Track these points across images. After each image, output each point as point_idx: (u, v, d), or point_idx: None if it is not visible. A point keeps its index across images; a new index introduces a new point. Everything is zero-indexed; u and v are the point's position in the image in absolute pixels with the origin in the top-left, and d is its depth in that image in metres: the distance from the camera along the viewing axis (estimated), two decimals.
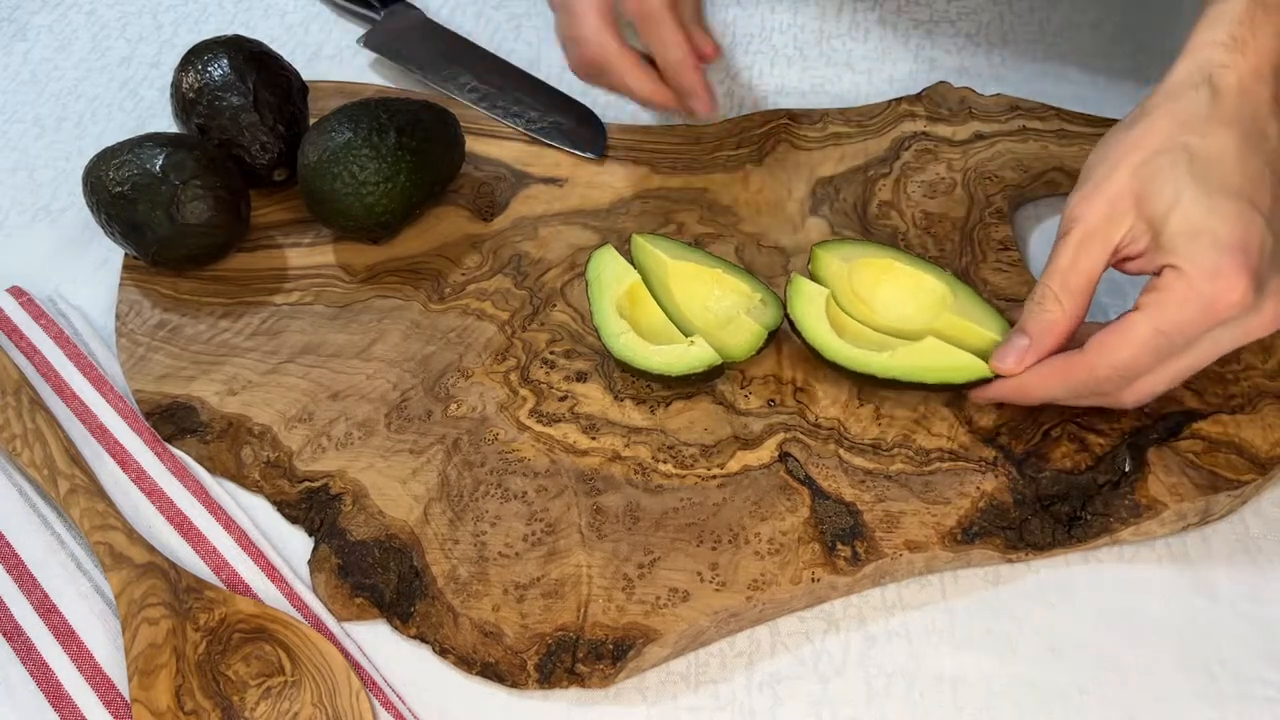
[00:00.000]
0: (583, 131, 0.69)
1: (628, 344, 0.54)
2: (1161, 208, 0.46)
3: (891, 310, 0.56)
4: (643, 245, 0.57)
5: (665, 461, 0.53)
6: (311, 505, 0.53)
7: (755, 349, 0.54)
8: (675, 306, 0.56)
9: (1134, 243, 0.47)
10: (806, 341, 0.54)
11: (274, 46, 0.67)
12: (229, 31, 0.77)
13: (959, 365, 0.52)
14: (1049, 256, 0.49)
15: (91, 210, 0.61)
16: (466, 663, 0.48)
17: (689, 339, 0.53)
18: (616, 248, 0.58)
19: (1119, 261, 0.49)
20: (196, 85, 0.63)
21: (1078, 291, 0.48)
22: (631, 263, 0.57)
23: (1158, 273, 0.46)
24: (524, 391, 0.56)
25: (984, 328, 0.53)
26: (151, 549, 0.50)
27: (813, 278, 0.56)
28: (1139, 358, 0.46)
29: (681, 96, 0.63)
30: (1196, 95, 0.47)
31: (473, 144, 0.68)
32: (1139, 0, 0.77)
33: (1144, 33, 0.74)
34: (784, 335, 0.57)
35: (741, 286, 0.56)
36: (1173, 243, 0.45)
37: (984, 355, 0.51)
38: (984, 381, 0.52)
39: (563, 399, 0.55)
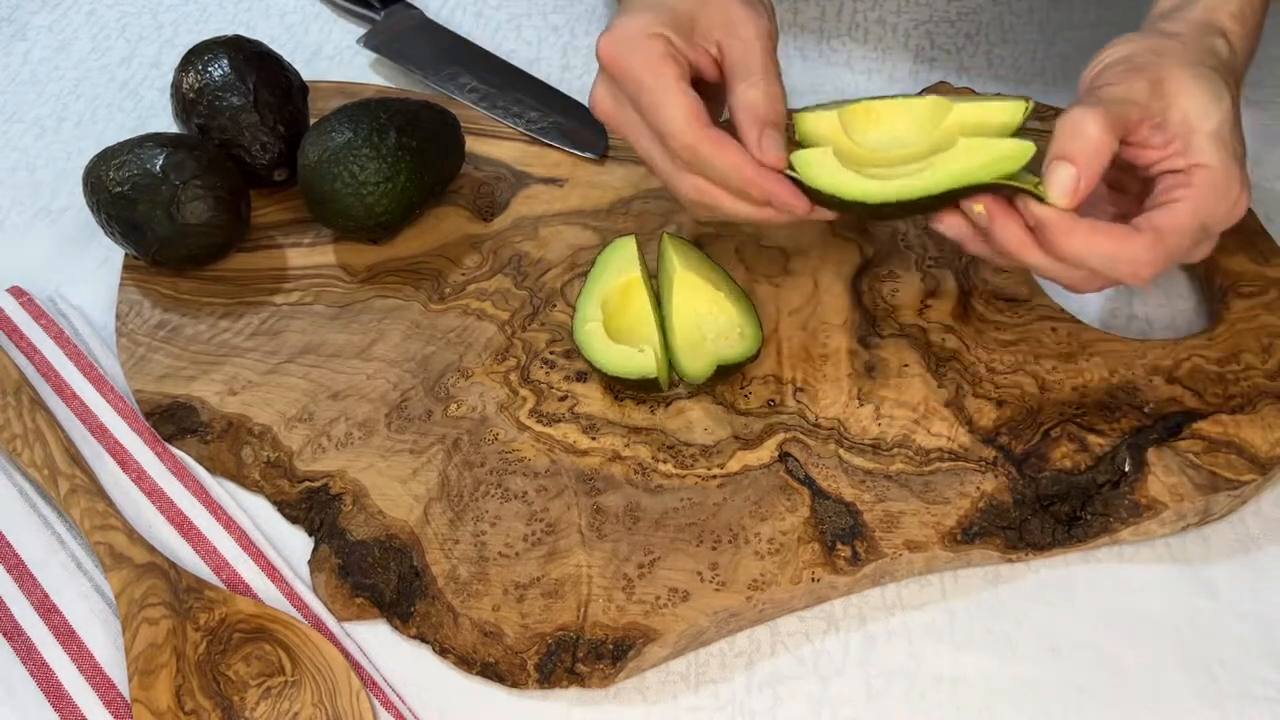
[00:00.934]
0: (583, 131, 0.69)
1: (590, 332, 0.55)
2: (1198, 110, 0.49)
3: (897, 145, 0.52)
4: (668, 245, 0.57)
5: (665, 461, 0.53)
6: (311, 505, 0.53)
7: (705, 376, 0.53)
8: (670, 311, 0.56)
9: (1160, 129, 0.49)
10: (838, 199, 0.49)
11: (274, 46, 0.67)
12: (229, 32, 0.76)
13: (1006, 153, 0.48)
14: (1083, 96, 0.49)
15: (91, 210, 0.61)
16: (466, 663, 0.48)
17: (639, 347, 0.53)
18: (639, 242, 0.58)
19: (1130, 143, 0.50)
20: (197, 85, 0.63)
21: (1119, 122, 0.48)
22: (655, 257, 0.58)
23: (1181, 170, 0.49)
24: (524, 391, 0.56)
25: (1001, 103, 0.49)
26: (151, 549, 0.50)
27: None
28: (1183, 242, 0.49)
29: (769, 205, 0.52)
30: (1216, 42, 0.52)
31: (473, 144, 0.68)
32: (1138, 0, 0.77)
33: None
34: (782, 336, 0.57)
35: (733, 314, 0.55)
36: (1206, 144, 0.49)
37: (1019, 133, 0.48)
38: (1036, 200, 0.48)
39: (563, 399, 0.55)
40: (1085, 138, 0.48)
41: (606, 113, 0.54)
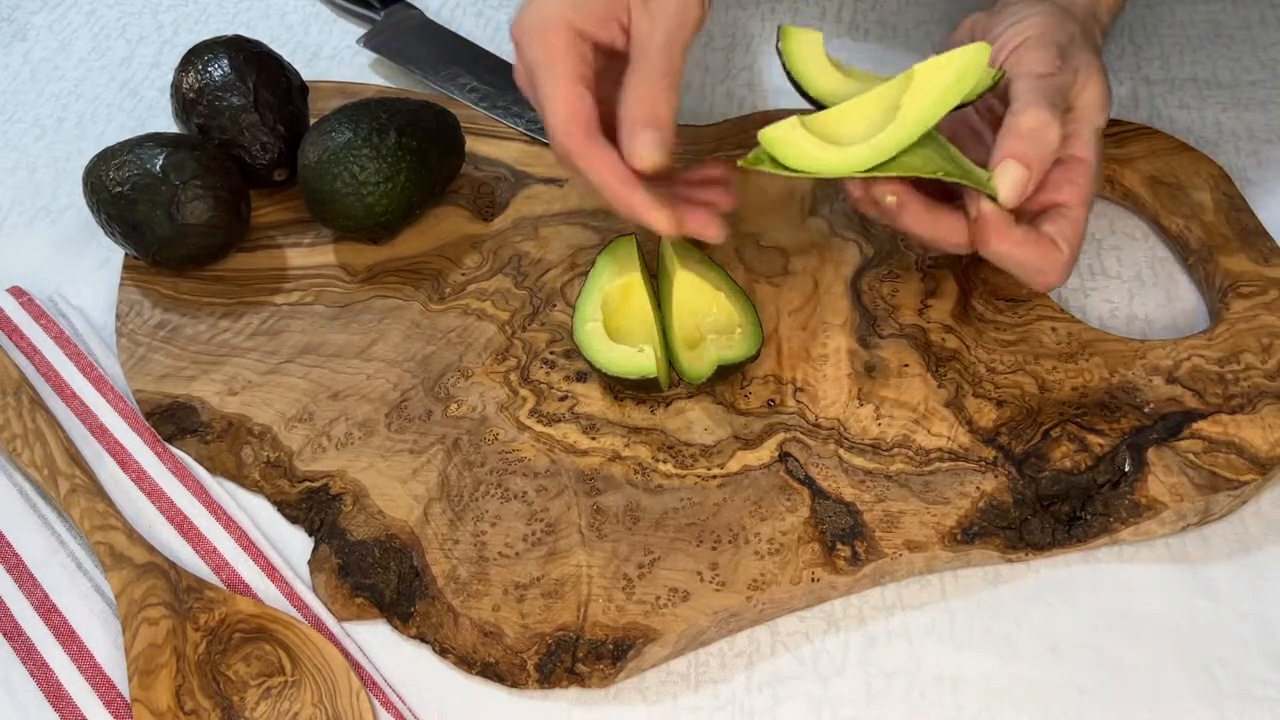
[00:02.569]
0: None
1: (590, 332, 0.55)
2: (1095, 106, 0.51)
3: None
4: (667, 245, 0.57)
5: (665, 461, 0.53)
6: (311, 505, 0.53)
7: (705, 376, 0.53)
8: (670, 311, 0.56)
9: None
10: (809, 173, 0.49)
11: (274, 46, 0.67)
12: (229, 32, 0.77)
13: (964, 67, 0.47)
14: (1024, 87, 0.51)
15: (91, 210, 0.61)
16: (466, 663, 0.48)
17: (639, 347, 0.53)
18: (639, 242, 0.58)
19: None
20: (197, 85, 0.63)
21: (1061, 115, 0.50)
22: (655, 257, 0.58)
23: (1062, 161, 0.51)
24: (524, 391, 0.56)
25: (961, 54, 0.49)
26: (151, 549, 0.50)
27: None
28: (1078, 249, 0.51)
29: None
30: (1096, 32, 0.55)
31: (473, 144, 0.68)
32: (1140, 4, 0.77)
33: (1140, 33, 0.74)
34: (782, 336, 0.57)
35: (733, 314, 0.55)
36: (1093, 140, 0.51)
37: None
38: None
39: (563, 399, 0.55)
40: (1045, 145, 0.49)
41: (522, 89, 0.53)
